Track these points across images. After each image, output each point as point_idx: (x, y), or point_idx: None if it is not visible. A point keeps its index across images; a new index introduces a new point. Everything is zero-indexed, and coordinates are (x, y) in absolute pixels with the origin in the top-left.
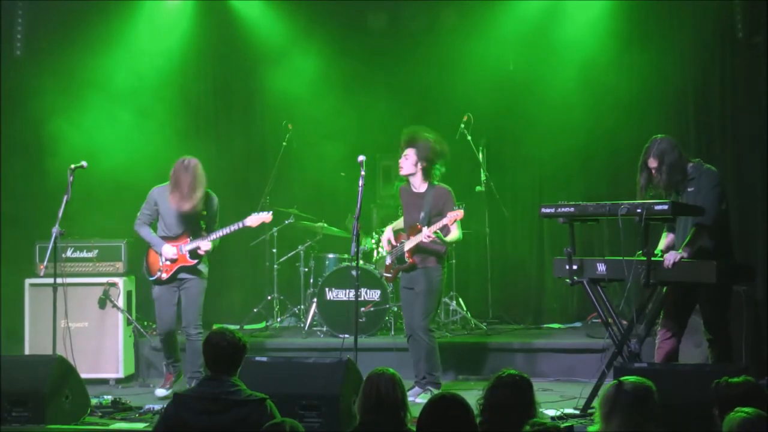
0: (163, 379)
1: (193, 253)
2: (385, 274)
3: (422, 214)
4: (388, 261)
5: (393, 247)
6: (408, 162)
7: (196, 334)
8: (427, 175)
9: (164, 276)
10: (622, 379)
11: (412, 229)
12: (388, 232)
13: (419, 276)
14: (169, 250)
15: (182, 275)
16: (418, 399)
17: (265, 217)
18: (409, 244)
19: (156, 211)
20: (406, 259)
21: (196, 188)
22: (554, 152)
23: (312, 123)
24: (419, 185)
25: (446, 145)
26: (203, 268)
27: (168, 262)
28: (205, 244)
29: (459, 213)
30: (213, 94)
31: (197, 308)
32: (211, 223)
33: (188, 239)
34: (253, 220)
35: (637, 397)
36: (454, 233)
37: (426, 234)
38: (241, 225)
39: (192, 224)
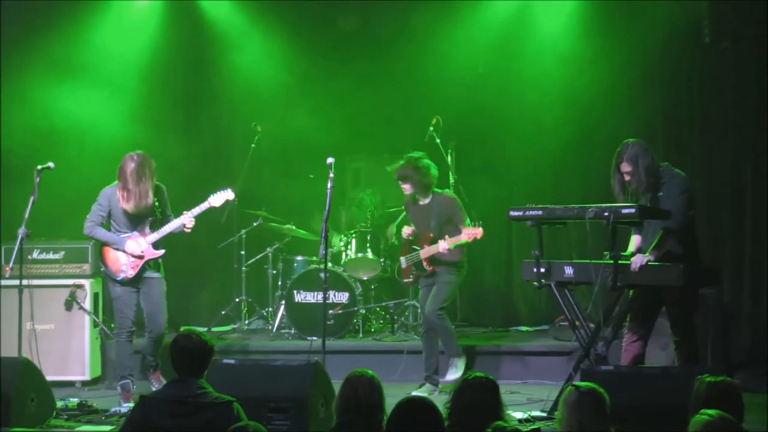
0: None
1: (157, 245)
2: (404, 280)
3: (433, 223)
4: (404, 265)
5: (407, 250)
6: (408, 189)
7: (159, 334)
8: (427, 190)
9: (131, 273)
10: (576, 384)
11: (425, 239)
12: (406, 228)
13: (440, 277)
14: (133, 245)
15: (147, 274)
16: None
17: (228, 194)
18: (426, 253)
19: (108, 212)
20: (425, 267)
21: (147, 182)
22: (525, 155)
23: (281, 124)
24: (423, 199)
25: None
26: (161, 268)
27: (133, 259)
28: (188, 219)
29: (478, 231)
30: (182, 94)
31: (165, 312)
32: (166, 210)
33: (146, 232)
34: (217, 198)
35: (597, 399)
36: (462, 238)
37: (444, 247)
38: (207, 205)
39: (146, 217)
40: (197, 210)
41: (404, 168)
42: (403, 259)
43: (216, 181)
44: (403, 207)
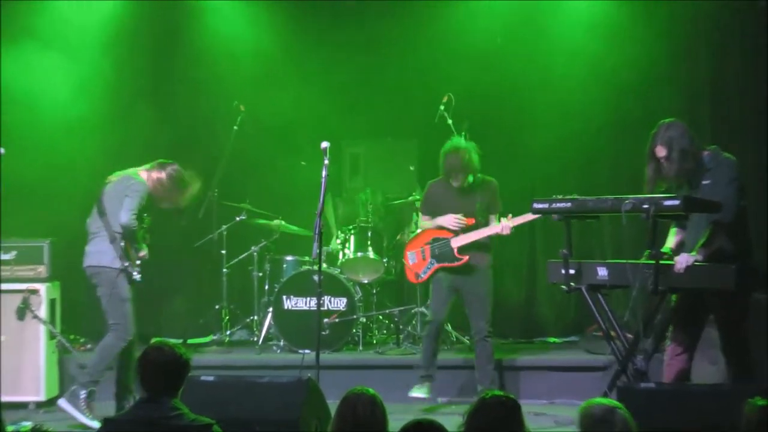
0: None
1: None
2: (417, 273)
3: (476, 208)
4: (414, 260)
5: (423, 244)
6: (460, 180)
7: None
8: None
9: (139, 276)
10: (593, 401)
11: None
12: (455, 217)
13: (475, 278)
14: (144, 247)
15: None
16: None
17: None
18: (461, 240)
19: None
20: (457, 257)
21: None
22: (549, 139)
23: (268, 103)
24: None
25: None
26: None
27: (139, 261)
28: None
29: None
30: (152, 66)
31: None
32: None
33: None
34: None
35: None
36: (529, 216)
37: (507, 226)
38: None
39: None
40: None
41: (458, 158)
42: (411, 253)
43: (193, 168)
44: (414, 196)
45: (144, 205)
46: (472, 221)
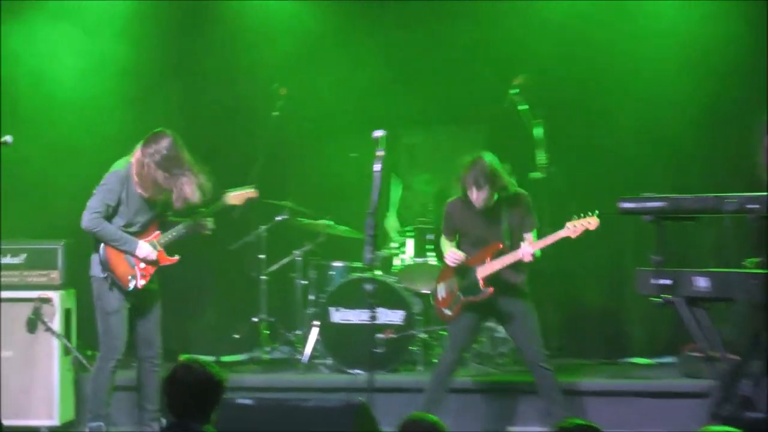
0: None
1: (169, 250)
2: (444, 311)
3: (502, 229)
4: (443, 293)
5: (456, 272)
6: (483, 198)
7: (158, 363)
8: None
9: (141, 284)
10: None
11: (488, 250)
12: (454, 252)
13: (511, 300)
14: (147, 247)
15: (150, 286)
16: None
17: (250, 193)
18: (487, 269)
19: (118, 203)
20: (482, 289)
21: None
22: (635, 129)
23: (313, 87)
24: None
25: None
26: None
27: (143, 265)
28: (209, 222)
29: (592, 221)
30: (178, 35)
31: (159, 330)
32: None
33: (158, 233)
34: (236, 197)
35: None
36: (561, 234)
37: (528, 252)
38: (224, 204)
39: (158, 213)
40: (215, 209)
41: (479, 171)
42: (441, 285)
43: (227, 161)
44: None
45: (127, 199)
46: (499, 246)
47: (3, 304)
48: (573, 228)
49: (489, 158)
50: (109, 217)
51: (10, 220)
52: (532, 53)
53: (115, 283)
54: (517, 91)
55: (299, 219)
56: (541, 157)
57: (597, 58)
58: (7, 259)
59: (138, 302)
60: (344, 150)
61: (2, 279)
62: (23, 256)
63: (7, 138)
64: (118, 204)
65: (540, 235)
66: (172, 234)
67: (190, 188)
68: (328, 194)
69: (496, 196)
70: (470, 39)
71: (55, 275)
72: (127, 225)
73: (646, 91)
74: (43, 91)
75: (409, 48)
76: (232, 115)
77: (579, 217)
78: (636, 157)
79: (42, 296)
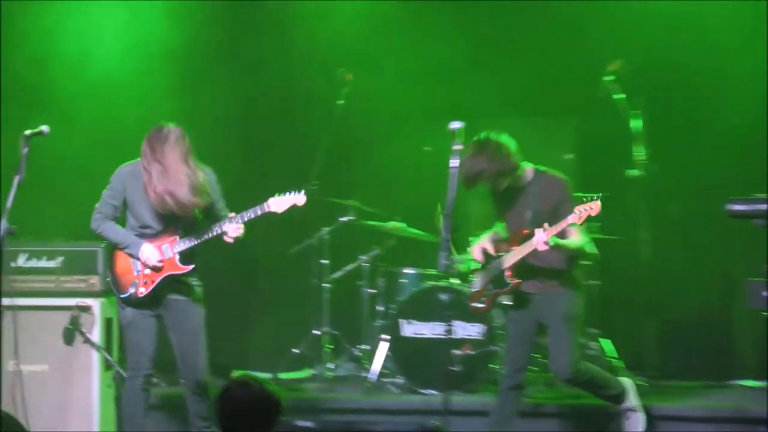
0: None
1: (186, 257)
2: (473, 304)
3: (528, 213)
4: (478, 285)
5: (486, 261)
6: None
7: (204, 383)
8: (512, 173)
9: (142, 292)
10: None
11: (515, 237)
12: (483, 242)
13: (551, 299)
14: (150, 251)
15: (170, 296)
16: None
17: (296, 199)
18: (510, 258)
19: (124, 201)
20: (507, 280)
21: (183, 163)
22: (749, 121)
23: (383, 73)
24: (518, 179)
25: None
26: (197, 284)
27: (148, 271)
28: (234, 228)
29: (594, 206)
30: (230, 13)
31: (203, 349)
32: (215, 207)
33: (176, 236)
34: (278, 204)
35: None
36: (575, 238)
37: (541, 239)
38: (262, 210)
39: (179, 215)
40: (249, 215)
41: (472, 160)
42: (477, 276)
43: (283, 155)
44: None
45: (135, 198)
46: (523, 232)
47: (37, 312)
48: (578, 214)
49: (483, 144)
50: (120, 218)
51: (45, 219)
52: (631, 36)
53: (113, 289)
54: (613, 78)
55: (366, 220)
56: (639, 153)
57: (706, 44)
58: (42, 263)
59: (168, 313)
60: (417, 143)
61: (37, 285)
62: (60, 259)
63: (44, 128)
64: (126, 203)
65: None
66: (191, 240)
67: (160, 181)
68: (398, 193)
69: (518, 170)
70: (560, 19)
71: (95, 281)
72: (142, 226)
73: (760, 83)
74: (80, 76)
75: (490, 28)
76: (289, 103)
77: (587, 199)
78: (747, 153)
79: (80, 304)
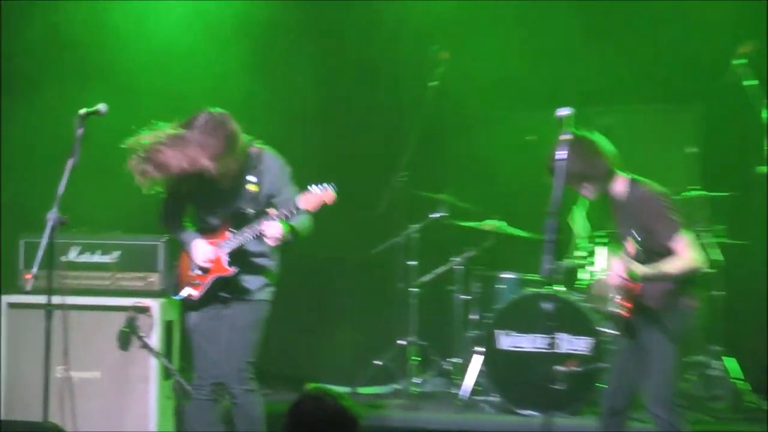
0: None
1: (237, 258)
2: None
3: (628, 231)
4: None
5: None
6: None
7: (244, 392)
8: (603, 182)
9: (194, 294)
10: None
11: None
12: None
13: (647, 326)
14: (199, 249)
15: (226, 294)
16: None
17: (324, 196)
18: (615, 276)
19: (183, 191)
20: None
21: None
22: None
23: (482, 53)
24: (618, 190)
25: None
26: (259, 285)
27: (199, 271)
28: (271, 226)
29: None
30: None
31: (246, 351)
32: (279, 197)
33: (228, 234)
34: (308, 201)
35: None
36: (683, 259)
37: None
38: (294, 208)
39: (235, 210)
40: (283, 212)
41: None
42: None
43: (369, 142)
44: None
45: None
46: (632, 250)
47: (90, 313)
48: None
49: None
50: (183, 211)
51: (101, 208)
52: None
53: (169, 288)
54: (744, 61)
55: (460, 218)
56: None
57: None
58: (96, 257)
59: (223, 320)
60: (519, 132)
61: (89, 282)
62: (116, 253)
63: (101, 107)
64: (185, 193)
65: None
66: (237, 238)
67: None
68: (497, 187)
69: (609, 179)
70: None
71: (155, 279)
72: (200, 220)
73: None
74: (141, 51)
75: (601, 6)
76: (375, 85)
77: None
78: None
79: (138, 304)
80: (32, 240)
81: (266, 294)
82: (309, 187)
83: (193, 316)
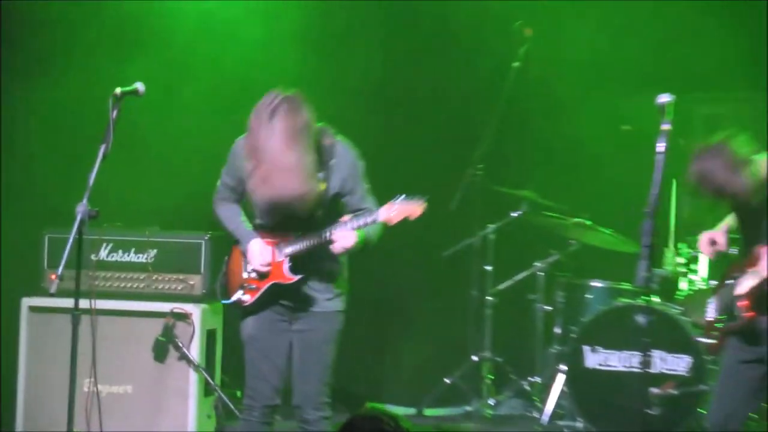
0: None
1: (298, 264)
2: (704, 340)
3: (763, 229)
4: (711, 313)
5: (724, 281)
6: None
7: (318, 419)
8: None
9: (246, 299)
10: None
11: (751, 258)
12: (716, 233)
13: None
14: (256, 250)
15: (290, 302)
16: None
17: (410, 210)
18: (743, 284)
19: (242, 182)
20: (741, 315)
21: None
22: None
23: (571, 30)
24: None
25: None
26: (330, 294)
27: (255, 275)
28: (345, 236)
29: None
30: None
31: (321, 370)
32: (353, 199)
33: (291, 236)
34: (391, 213)
35: None
36: None
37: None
38: (373, 219)
39: (297, 210)
40: (359, 222)
41: (703, 162)
42: (713, 301)
43: (440, 128)
44: None
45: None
46: (759, 253)
47: (121, 319)
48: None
49: (725, 144)
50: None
51: (136, 200)
52: None
53: (217, 290)
54: None
55: (544, 217)
56: None
57: None
58: (130, 256)
59: (297, 327)
60: (612, 120)
61: (122, 284)
62: (152, 252)
63: (138, 86)
64: (243, 184)
65: None
66: (302, 242)
67: (260, 169)
68: (586, 183)
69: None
70: None
71: (196, 281)
72: (260, 217)
73: None
74: (186, 22)
75: None
76: (449, 65)
77: None
78: None
79: (176, 310)
80: (58, 235)
81: (339, 303)
82: (398, 197)
83: (250, 326)
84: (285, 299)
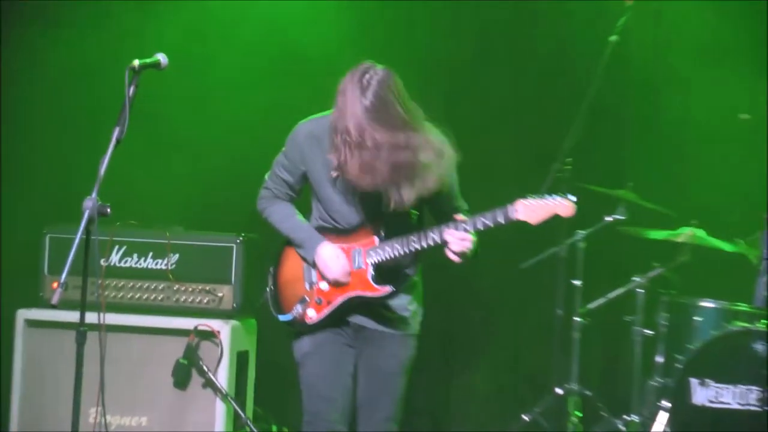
0: None
1: (386, 272)
2: None
3: None
4: None
5: None
6: None
7: None
8: None
9: (311, 316)
10: None
11: None
12: None
13: None
14: (331, 256)
15: (364, 322)
16: None
17: (559, 208)
18: None
19: (303, 177)
20: None
21: (397, 129)
22: None
23: (671, 6)
24: None
25: None
26: (410, 309)
27: (325, 286)
28: (459, 238)
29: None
30: None
31: (391, 403)
32: (446, 203)
33: (374, 239)
34: (533, 211)
35: None
36: None
37: None
38: (506, 217)
39: (383, 207)
40: (486, 221)
41: None
42: None
43: (522, 118)
44: None
45: (318, 173)
46: None
47: (136, 337)
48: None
49: None
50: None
51: (155, 196)
52: None
53: (269, 305)
54: None
55: (643, 223)
56: None
57: None
58: (147, 262)
59: (365, 350)
60: (728, 108)
61: (137, 295)
62: (174, 257)
63: (160, 57)
64: (308, 180)
65: None
66: (393, 248)
67: (357, 166)
68: (695, 183)
69: None
70: None
71: (226, 293)
72: (330, 217)
73: None
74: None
75: None
76: (535, 39)
77: None
78: None
79: (201, 328)
80: (61, 235)
81: (416, 325)
82: (544, 196)
83: (306, 344)
84: (356, 315)
